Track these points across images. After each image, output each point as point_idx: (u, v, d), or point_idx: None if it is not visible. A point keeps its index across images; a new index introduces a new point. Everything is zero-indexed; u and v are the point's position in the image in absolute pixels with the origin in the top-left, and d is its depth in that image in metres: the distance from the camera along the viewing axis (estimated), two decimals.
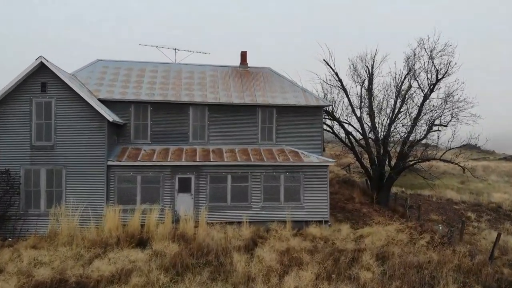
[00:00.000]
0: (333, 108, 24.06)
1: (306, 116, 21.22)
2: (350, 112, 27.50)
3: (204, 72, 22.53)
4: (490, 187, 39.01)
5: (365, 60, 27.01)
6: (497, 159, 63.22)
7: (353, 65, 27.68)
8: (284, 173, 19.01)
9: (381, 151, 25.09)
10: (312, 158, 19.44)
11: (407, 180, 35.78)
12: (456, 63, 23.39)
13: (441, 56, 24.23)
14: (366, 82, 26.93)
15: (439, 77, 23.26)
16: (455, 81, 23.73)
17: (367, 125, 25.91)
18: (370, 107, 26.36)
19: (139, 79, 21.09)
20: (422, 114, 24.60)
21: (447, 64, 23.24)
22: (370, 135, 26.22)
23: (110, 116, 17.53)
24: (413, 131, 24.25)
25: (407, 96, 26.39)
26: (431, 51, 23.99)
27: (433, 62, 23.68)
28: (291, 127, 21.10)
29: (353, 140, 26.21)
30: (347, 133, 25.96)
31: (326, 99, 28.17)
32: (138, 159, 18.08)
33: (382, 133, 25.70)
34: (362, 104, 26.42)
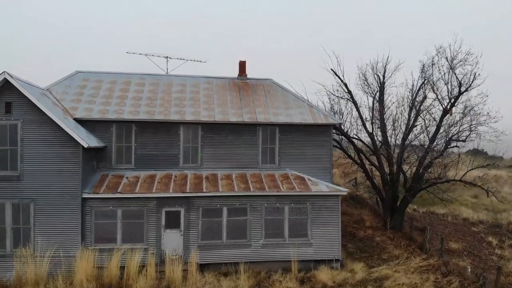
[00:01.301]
0: (341, 123, 21.48)
1: (313, 135, 18.67)
2: (360, 125, 25.02)
3: (197, 84, 19.94)
4: (507, 202, 36.48)
5: (376, 69, 24.47)
6: (506, 166, 60.66)
7: (362, 73, 25.17)
8: (288, 204, 16.46)
9: (395, 170, 22.55)
10: (321, 186, 16.88)
11: (418, 195, 33.35)
12: (479, 74, 20.83)
13: (462, 65, 21.69)
14: (377, 93, 24.42)
15: (462, 90, 20.69)
16: (479, 94, 21.14)
17: (379, 141, 23.37)
18: (382, 120, 23.82)
19: (123, 94, 18.49)
20: (440, 131, 22.07)
21: (470, 75, 20.67)
22: (381, 150, 23.69)
23: (85, 141, 14.95)
24: (431, 150, 21.68)
25: (422, 108, 23.87)
26: (452, 61, 21.42)
27: (454, 73, 21.10)
28: (296, 148, 18.54)
29: (363, 158, 23.64)
30: (358, 150, 23.39)
31: (333, 111, 25.65)
32: (118, 190, 15.50)
33: (395, 150, 23.17)
34: (374, 118, 23.87)
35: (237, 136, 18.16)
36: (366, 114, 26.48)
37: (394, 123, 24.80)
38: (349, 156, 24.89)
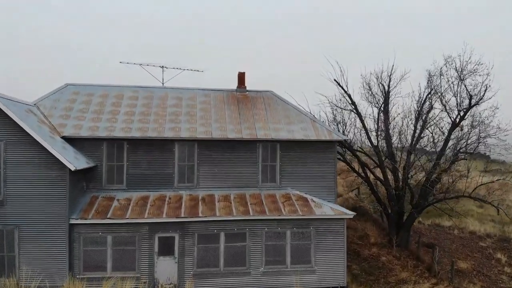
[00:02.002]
0: (346, 140, 20.43)
1: (316, 152, 17.66)
2: (364, 137, 24.04)
3: (194, 97, 18.90)
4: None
5: (381, 78, 23.46)
6: (510, 171, 59.64)
7: (366, 83, 24.16)
8: (290, 228, 15.45)
9: (400, 185, 21.53)
10: (325, 208, 15.86)
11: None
12: (490, 85, 19.78)
13: (471, 75, 20.65)
14: (382, 104, 23.43)
15: (472, 103, 19.67)
16: (490, 107, 20.13)
17: (384, 156, 22.34)
18: (387, 131, 22.82)
19: (115, 109, 17.45)
20: (449, 144, 21.06)
21: (481, 87, 19.64)
22: (386, 163, 22.70)
23: (72, 163, 13.91)
24: (438, 165, 20.65)
25: (428, 119, 22.87)
26: (461, 71, 20.39)
27: (464, 85, 20.07)
28: (298, 165, 17.53)
29: (369, 172, 22.64)
30: (362, 164, 22.37)
31: (336, 121, 24.68)
32: (108, 215, 14.48)
33: (401, 162, 22.16)
34: (379, 129, 22.85)
35: (235, 153, 17.15)
36: (371, 125, 25.57)
37: (400, 135, 23.85)
38: (353, 169, 23.90)
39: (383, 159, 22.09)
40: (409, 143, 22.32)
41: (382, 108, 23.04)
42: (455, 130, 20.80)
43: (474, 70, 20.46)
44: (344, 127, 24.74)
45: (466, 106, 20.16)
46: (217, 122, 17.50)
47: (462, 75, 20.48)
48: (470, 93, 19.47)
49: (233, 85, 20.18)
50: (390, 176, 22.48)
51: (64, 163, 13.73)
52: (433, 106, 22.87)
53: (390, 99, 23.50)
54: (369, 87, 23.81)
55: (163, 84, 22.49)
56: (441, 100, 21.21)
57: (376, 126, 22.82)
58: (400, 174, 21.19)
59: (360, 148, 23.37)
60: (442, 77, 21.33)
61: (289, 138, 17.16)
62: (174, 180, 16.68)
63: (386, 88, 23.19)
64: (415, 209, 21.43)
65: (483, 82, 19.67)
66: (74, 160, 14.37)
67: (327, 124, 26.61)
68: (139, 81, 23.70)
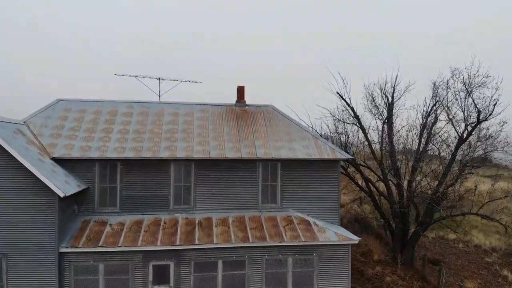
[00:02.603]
0: (352, 158, 19.60)
1: (319, 171, 16.92)
2: (368, 150, 23.29)
3: (191, 113, 18.13)
4: None
5: (385, 89, 22.71)
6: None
7: (369, 93, 23.41)
8: (292, 255, 14.71)
9: (405, 202, 20.78)
10: (329, 233, 15.11)
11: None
12: (498, 99, 19.03)
13: (479, 88, 19.90)
14: (385, 114, 22.69)
15: (481, 118, 18.91)
16: (498, 123, 19.38)
17: (389, 171, 21.59)
18: (391, 144, 22.08)
19: (108, 127, 16.67)
20: (455, 161, 20.30)
21: (489, 102, 18.87)
22: (389, 176, 21.97)
23: (61, 189, 13.14)
24: (444, 182, 19.90)
25: (433, 132, 22.13)
26: (469, 85, 19.62)
27: (472, 100, 19.31)
28: (300, 185, 16.79)
29: (373, 188, 21.90)
30: (366, 180, 21.63)
31: (338, 133, 23.94)
32: (100, 243, 13.72)
33: (406, 178, 21.41)
34: (383, 143, 22.10)
35: (234, 173, 16.40)
36: (373, 136, 24.83)
37: (404, 149, 23.13)
38: (356, 184, 23.16)
39: (387, 173, 21.35)
40: (414, 156, 21.58)
41: (386, 121, 22.32)
42: (461, 146, 20.05)
43: (482, 83, 19.74)
44: (346, 138, 24.02)
45: (474, 121, 19.40)
46: (215, 140, 16.74)
47: (469, 88, 19.74)
48: (479, 108, 18.70)
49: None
50: (394, 191, 21.76)
51: (53, 189, 12.96)
52: (439, 118, 22.17)
53: (394, 111, 22.78)
54: (373, 98, 23.09)
55: (159, 96, 21.75)
56: (448, 114, 20.46)
57: (380, 140, 22.08)
58: (404, 192, 20.44)
59: (363, 162, 22.62)
60: (448, 89, 20.60)
61: (290, 157, 16.40)
62: (169, 202, 15.93)
63: (390, 99, 22.46)
64: (420, 226, 20.72)
65: (491, 97, 18.94)
66: (64, 185, 13.62)
67: (329, 133, 25.80)
68: (137, 89, 22.85)
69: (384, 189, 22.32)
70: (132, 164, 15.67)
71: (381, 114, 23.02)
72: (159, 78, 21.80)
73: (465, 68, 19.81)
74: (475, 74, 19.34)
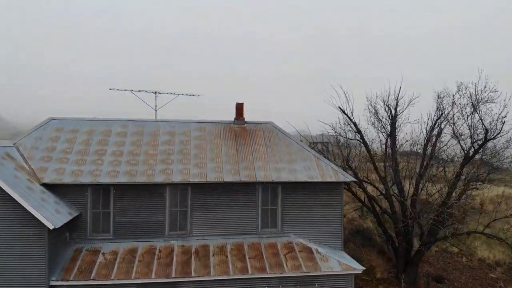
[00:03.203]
0: (356, 181, 18.91)
1: (321, 193, 16.29)
2: (370, 164, 22.66)
3: (188, 132, 17.45)
4: None
5: (387, 101, 22.08)
6: None
7: (372, 106, 22.77)
8: (293, 286, 14.08)
9: (408, 222, 20.16)
10: (331, 262, 14.48)
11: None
12: (506, 117, 18.36)
13: (485, 102, 19.25)
14: (388, 127, 22.07)
15: (488, 137, 18.26)
16: (506, 141, 18.73)
17: (392, 184, 20.99)
18: (394, 159, 21.47)
19: (101, 148, 15.99)
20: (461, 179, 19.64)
21: (497, 119, 18.20)
22: (393, 192, 21.36)
23: (51, 221, 12.48)
24: (449, 200, 19.28)
25: (437, 145, 21.52)
26: (477, 102, 18.95)
27: (480, 118, 18.62)
28: (301, 208, 16.16)
29: (376, 206, 21.31)
30: (370, 198, 21.01)
31: (339, 147, 23.31)
32: (92, 275, 13.08)
33: (409, 195, 20.79)
34: (386, 158, 21.45)
35: (233, 197, 15.77)
36: (376, 148, 24.20)
37: (408, 162, 22.51)
38: (359, 200, 22.56)
39: (391, 193, 20.72)
40: (417, 173, 20.96)
41: (389, 133, 21.70)
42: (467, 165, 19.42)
43: (489, 98, 19.09)
44: (348, 151, 23.37)
45: (480, 138, 18.75)
46: (212, 162, 16.07)
47: (476, 105, 19.07)
48: (486, 127, 18.03)
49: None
50: (397, 207, 21.16)
51: (42, 221, 12.32)
52: (443, 131, 21.55)
53: (397, 124, 22.16)
54: (375, 110, 22.46)
55: (155, 110, 21.09)
56: (453, 130, 19.82)
57: (383, 156, 21.44)
58: (408, 209, 19.82)
59: (366, 178, 22.00)
60: (454, 105, 19.94)
61: (291, 180, 15.76)
62: (165, 228, 15.29)
63: (393, 112, 21.82)
64: (424, 246, 20.14)
65: (499, 114, 18.26)
66: (54, 215, 12.96)
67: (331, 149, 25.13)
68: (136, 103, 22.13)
69: (387, 204, 21.74)
70: (126, 189, 15.02)
71: (383, 127, 22.42)
72: (155, 92, 21.16)
73: (472, 83, 19.08)
74: (482, 90, 18.68)
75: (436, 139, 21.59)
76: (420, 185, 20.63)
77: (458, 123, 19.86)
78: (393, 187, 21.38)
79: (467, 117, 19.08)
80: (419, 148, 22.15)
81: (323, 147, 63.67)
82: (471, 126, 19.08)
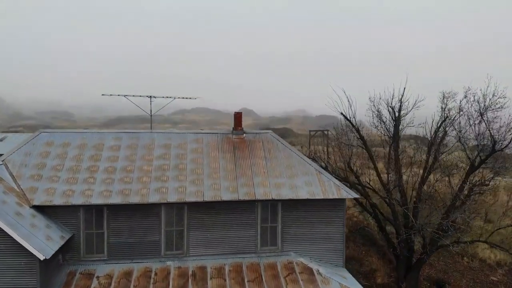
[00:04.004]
0: (358, 196, 18.33)
1: (323, 210, 15.78)
2: (372, 171, 22.10)
3: (184, 144, 16.77)
4: None
5: (391, 103, 21.32)
6: None
7: (375, 107, 22.04)
8: None
9: (412, 234, 19.71)
10: (333, 285, 14.06)
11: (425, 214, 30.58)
12: None
13: (493, 110, 18.51)
14: (391, 131, 21.41)
15: (496, 148, 17.59)
16: None
17: (394, 187, 20.47)
18: (396, 163, 20.92)
19: (93, 165, 15.34)
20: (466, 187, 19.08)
21: (506, 130, 17.48)
22: (394, 197, 20.88)
23: (42, 250, 11.98)
24: (452, 212, 18.77)
25: (441, 148, 20.89)
26: (485, 109, 18.20)
27: (487, 127, 17.89)
28: (302, 226, 15.68)
29: (379, 213, 20.87)
30: (372, 206, 20.53)
31: (341, 152, 22.67)
32: None
33: (412, 205, 20.28)
34: (390, 164, 20.87)
35: (231, 215, 15.23)
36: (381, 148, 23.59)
37: (411, 166, 21.96)
38: (362, 206, 22.13)
39: (394, 200, 20.22)
40: (419, 182, 20.42)
41: (391, 135, 21.08)
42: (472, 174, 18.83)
43: (498, 103, 18.33)
44: (351, 153, 22.74)
45: (487, 149, 18.09)
46: (210, 178, 15.46)
47: (483, 111, 18.30)
48: (494, 138, 17.33)
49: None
50: (400, 214, 20.72)
51: (33, 252, 11.81)
52: (448, 133, 20.90)
53: (401, 127, 21.49)
54: (378, 111, 21.74)
55: (151, 115, 20.36)
56: (460, 139, 19.13)
57: (386, 162, 20.86)
58: (410, 220, 19.35)
59: (368, 184, 21.47)
60: (461, 112, 19.19)
61: (292, 198, 15.20)
62: (160, 248, 14.81)
63: (396, 113, 21.12)
64: (426, 255, 19.79)
65: (509, 123, 17.53)
66: (45, 243, 12.43)
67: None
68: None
69: (389, 210, 21.30)
70: (120, 209, 14.45)
71: (387, 130, 21.75)
72: (150, 96, 20.36)
73: (480, 90, 18.29)
74: (490, 99, 17.90)
75: (440, 142, 20.96)
76: (423, 192, 20.13)
77: (464, 129, 19.17)
78: (395, 190, 20.88)
79: (474, 126, 18.37)
80: (423, 152, 21.55)
81: (324, 134, 62.63)
82: (478, 134, 18.40)
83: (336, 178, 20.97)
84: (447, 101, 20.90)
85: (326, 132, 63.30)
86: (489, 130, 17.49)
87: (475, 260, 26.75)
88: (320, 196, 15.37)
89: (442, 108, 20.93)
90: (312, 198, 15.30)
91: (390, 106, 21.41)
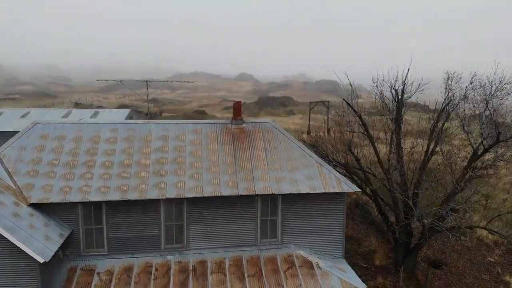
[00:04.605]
0: (360, 191, 18.11)
1: (323, 203, 15.68)
2: (373, 156, 21.87)
3: (182, 136, 16.42)
4: None
5: (394, 84, 20.83)
6: None
7: (377, 87, 21.54)
8: None
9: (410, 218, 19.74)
10: (332, 280, 14.16)
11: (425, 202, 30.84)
12: None
13: (500, 97, 18.04)
14: (394, 112, 21.03)
15: (501, 138, 17.25)
16: None
17: (393, 170, 20.35)
18: (398, 146, 20.71)
19: (90, 159, 15.07)
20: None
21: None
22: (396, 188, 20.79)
23: (41, 252, 11.94)
24: (452, 198, 18.72)
25: (445, 126, 20.56)
26: (491, 96, 17.71)
27: (492, 115, 17.45)
28: (302, 218, 15.64)
29: (379, 199, 20.83)
30: (374, 193, 20.46)
31: (343, 137, 22.36)
32: None
33: (412, 190, 20.21)
34: (392, 152, 20.61)
35: (231, 209, 15.15)
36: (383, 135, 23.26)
37: (413, 148, 21.73)
38: (362, 189, 22.04)
39: (394, 183, 20.14)
40: (420, 167, 20.26)
41: (394, 118, 20.74)
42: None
43: (504, 89, 17.86)
44: (352, 136, 22.45)
45: (492, 138, 17.75)
46: (209, 172, 15.24)
47: (489, 98, 17.84)
48: (499, 130, 16.95)
49: None
50: (400, 200, 20.70)
51: (32, 255, 11.77)
52: (450, 114, 20.51)
53: (404, 110, 21.10)
54: (381, 93, 21.28)
55: (147, 98, 19.87)
56: (463, 127, 18.76)
57: (388, 148, 20.59)
58: (410, 206, 19.33)
59: (369, 169, 21.30)
60: (466, 99, 18.71)
61: (292, 192, 15.05)
62: (160, 242, 14.82)
63: (400, 96, 20.67)
64: (424, 240, 19.95)
65: None
66: (44, 243, 12.37)
67: None
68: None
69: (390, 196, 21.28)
70: (118, 205, 14.33)
71: (389, 112, 21.35)
72: (147, 81, 19.77)
73: (487, 76, 17.71)
74: (497, 87, 17.37)
75: (443, 124, 20.62)
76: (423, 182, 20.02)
77: (468, 117, 18.77)
78: (395, 173, 20.76)
79: (479, 114, 17.95)
80: (425, 138, 21.24)
81: (324, 104, 62.24)
82: (483, 122, 18.01)
83: (336, 165, 20.91)
84: (451, 82, 20.46)
85: (326, 103, 62.91)
86: (494, 122, 17.08)
87: (473, 239, 27.09)
88: (320, 190, 15.21)
89: (446, 89, 20.48)
90: (312, 192, 15.14)
91: (393, 88, 20.93)
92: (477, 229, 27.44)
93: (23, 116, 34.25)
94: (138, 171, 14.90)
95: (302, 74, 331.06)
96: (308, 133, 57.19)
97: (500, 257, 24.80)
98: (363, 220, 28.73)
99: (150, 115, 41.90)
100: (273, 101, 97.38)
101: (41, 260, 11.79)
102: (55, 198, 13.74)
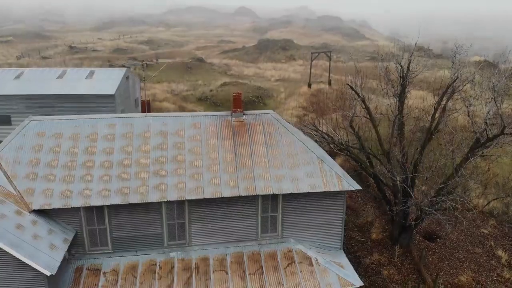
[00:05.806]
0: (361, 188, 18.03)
1: (323, 200, 15.80)
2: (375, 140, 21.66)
3: (181, 131, 16.09)
4: None
5: (399, 65, 20.21)
6: None
7: (384, 66, 20.90)
8: None
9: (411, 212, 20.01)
10: (331, 276, 14.68)
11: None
12: None
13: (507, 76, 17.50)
14: (398, 89, 20.59)
15: (506, 131, 16.88)
16: None
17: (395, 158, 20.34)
18: (401, 127, 20.52)
19: (89, 159, 14.90)
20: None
21: None
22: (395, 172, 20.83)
23: (47, 264, 12.24)
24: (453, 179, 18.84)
25: (448, 106, 20.25)
26: (498, 82, 17.11)
27: (498, 107, 16.96)
28: (302, 214, 15.85)
29: (380, 182, 20.98)
30: (375, 176, 20.55)
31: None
32: None
33: (411, 171, 20.26)
34: (394, 134, 20.36)
35: (232, 208, 15.30)
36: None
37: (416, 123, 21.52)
38: (361, 167, 22.14)
39: (396, 179, 20.16)
40: (419, 147, 20.21)
41: (398, 94, 20.33)
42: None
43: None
44: (353, 113, 22.09)
45: (497, 128, 17.44)
46: (209, 171, 15.16)
47: (496, 86, 17.27)
48: (505, 123, 16.57)
49: None
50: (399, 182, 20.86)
51: (39, 269, 12.07)
52: (455, 90, 20.05)
53: (408, 89, 20.62)
54: (387, 76, 20.70)
55: (144, 82, 19.27)
56: (468, 114, 18.35)
57: (390, 130, 20.31)
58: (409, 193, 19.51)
59: (370, 150, 21.19)
60: (473, 82, 18.12)
61: (292, 191, 15.09)
62: (163, 239, 15.16)
63: (405, 74, 20.10)
64: (421, 221, 20.44)
65: None
66: (49, 254, 12.65)
67: None
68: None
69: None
70: (120, 207, 14.43)
71: (393, 87, 20.86)
72: (142, 61, 19.02)
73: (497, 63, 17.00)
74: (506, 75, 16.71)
75: (447, 101, 20.22)
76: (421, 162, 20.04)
77: (475, 103, 18.31)
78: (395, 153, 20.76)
79: (485, 103, 17.47)
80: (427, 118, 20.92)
81: (326, 55, 60.44)
82: (488, 111, 17.58)
83: (338, 146, 20.77)
84: (459, 56, 19.81)
85: (328, 54, 61.13)
86: (500, 115, 16.66)
87: (470, 205, 27.63)
88: (321, 188, 15.24)
89: (453, 63, 19.85)
90: (313, 191, 15.18)
91: (398, 63, 20.28)
92: (475, 199, 28.10)
93: (17, 77, 33.54)
94: (138, 171, 14.81)
95: (303, 6, 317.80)
96: (309, 85, 56.27)
97: (494, 229, 25.47)
98: (361, 196, 29.02)
99: (146, 64, 41.34)
100: (273, 45, 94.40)
101: (48, 274, 12.11)
102: (56, 204, 13.80)
